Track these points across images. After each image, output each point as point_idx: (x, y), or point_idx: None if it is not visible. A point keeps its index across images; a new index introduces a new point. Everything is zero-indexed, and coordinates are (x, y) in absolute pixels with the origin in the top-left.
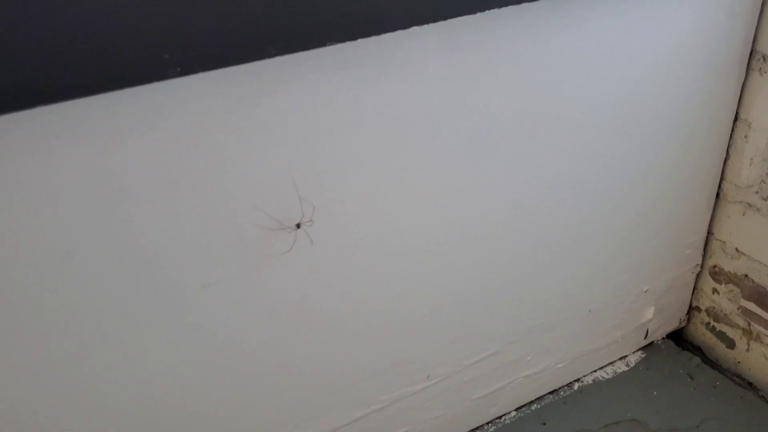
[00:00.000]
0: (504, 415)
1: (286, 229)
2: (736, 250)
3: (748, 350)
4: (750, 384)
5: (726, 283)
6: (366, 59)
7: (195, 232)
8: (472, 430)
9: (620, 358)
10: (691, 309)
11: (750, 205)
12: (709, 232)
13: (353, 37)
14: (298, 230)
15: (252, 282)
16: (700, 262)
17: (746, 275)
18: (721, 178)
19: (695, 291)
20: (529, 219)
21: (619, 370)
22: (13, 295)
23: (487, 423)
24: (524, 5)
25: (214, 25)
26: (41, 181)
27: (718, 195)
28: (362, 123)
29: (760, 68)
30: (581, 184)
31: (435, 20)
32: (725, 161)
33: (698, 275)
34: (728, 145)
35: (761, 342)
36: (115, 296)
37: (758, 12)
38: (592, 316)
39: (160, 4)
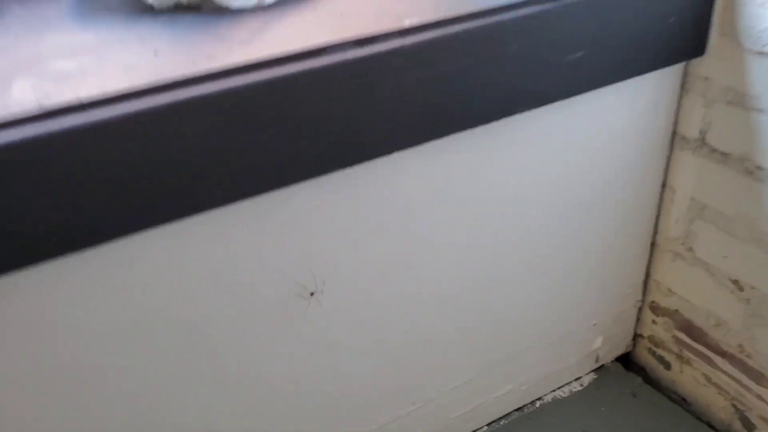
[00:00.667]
0: (477, 430)
1: (304, 297)
2: (669, 289)
3: (681, 371)
4: (684, 400)
5: (662, 316)
6: (360, 179)
7: (238, 299)
8: None
9: (575, 379)
10: (636, 336)
11: (677, 254)
12: (647, 274)
13: (347, 165)
14: (312, 297)
15: (275, 331)
16: (641, 298)
17: (677, 310)
18: (655, 232)
19: (638, 321)
20: (497, 278)
21: (574, 390)
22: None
23: None
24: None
25: (263, 163)
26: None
27: (653, 244)
28: (358, 224)
29: (681, 146)
30: (540, 246)
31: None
32: (657, 218)
33: (640, 308)
34: (659, 206)
35: (691, 365)
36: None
37: (677, 103)
38: (550, 346)
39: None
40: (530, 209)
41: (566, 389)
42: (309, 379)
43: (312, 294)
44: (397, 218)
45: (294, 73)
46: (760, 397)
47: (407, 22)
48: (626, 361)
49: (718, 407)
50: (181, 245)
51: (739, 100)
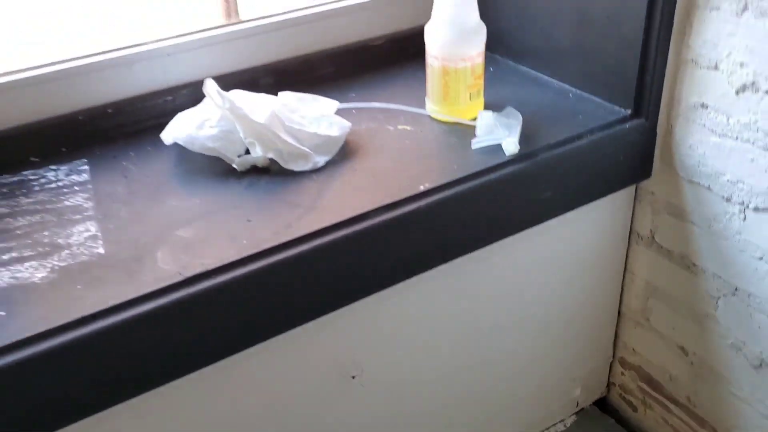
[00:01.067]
0: None
1: (348, 378)
2: (633, 349)
3: (645, 414)
4: None
5: (629, 369)
6: (391, 300)
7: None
8: None
9: (560, 421)
10: (609, 384)
11: (638, 322)
12: (617, 336)
13: (382, 288)
14: (354, 380)
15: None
16: (611, 354)
17: (640, 366)
18: (620, 303)
19: (611, 372)
20: (497, 356)
21: (558, 430)
22: None
23: None
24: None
25: (323, 297)
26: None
27: (620, 313)
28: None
29: (636, 241)
30: (532, 323)
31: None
32: (621, 294)
33: (612, 362)
34: (623, 285)
35: (652, 409)
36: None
37: (632, 210)
38: (539, 397)
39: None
40: (524, 303)
41: (552, 430)
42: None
43: (353, 377)
44: (412, 327)
45: (345, 235)
46: None
47: (422, 187)
48: (602, 404)
49: None
50: (276, 353)
51: (677, 213)
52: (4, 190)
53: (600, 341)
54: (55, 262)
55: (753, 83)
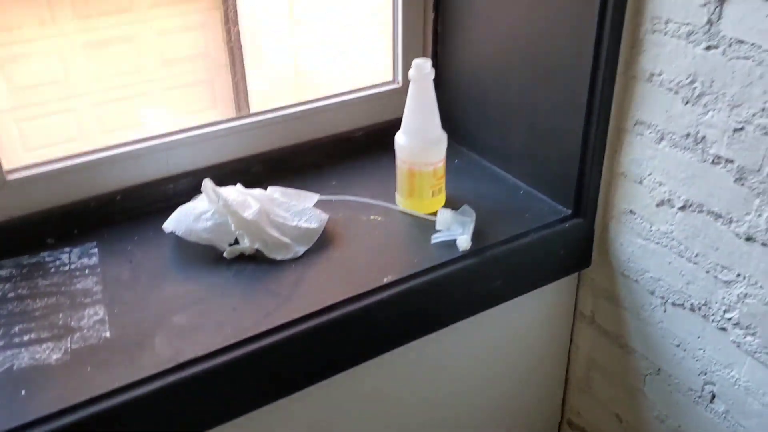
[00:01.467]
0: None
1: None
2: (578, 412)
3: None
4: None
5: (575, 429)
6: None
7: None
8: None
9: None
10: None
11: (582, 389)
12: (564, 400)
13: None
14: None
15: None
16: (560, 417)
17: (584, 428)
18: (567, 371)
19: (560, 431)
20: (451, 419)
21: None
22: None
23: None
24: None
25: (305, 372)
26: None
27: (566, 380)
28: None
29: (580, 319)
30: (491, 392)
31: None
32: (568, 364)
33: (560, 423)
34: (569, 357)
35: None
36: None
37: (576, 292)
38: None
39: None
40: (482, 375)
41: None
42: None
43: None
44: (379, 400)
45: (315, 325)
46: None
47: (385, 279)
48: None
49: None
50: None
51: (613, 299)
52: (25, 271)
53: (551, 405)
54: (68, 345)
55: (669, 200)
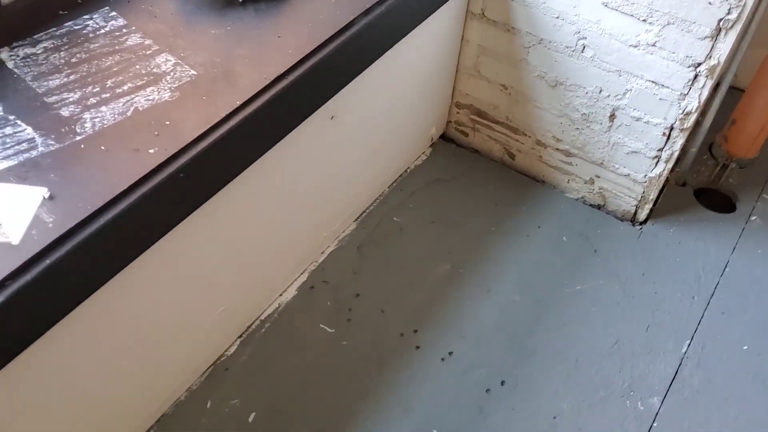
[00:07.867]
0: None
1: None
2: (466, 94)
3: (474, 137)
4: (476, 151)
5: (463, 109)
6: (273, 160)
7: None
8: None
9: (422, 153)
10: (448, 122)
11: (471, 74)
12: (454, 88)
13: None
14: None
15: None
16: (450, 101)
17: (471, 104)
18: (458, 63)
19: (449, 113)
20: (385, 112)
21: (424, 158)
22: None
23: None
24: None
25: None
26: None
27: (457, 71)
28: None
29: (471, 17)
30: (405, 92)
31: None
32: (459, 57)
33: (450, 106)
34: (460, 50)
35: (480, 132)
36: None
37: None
38: (411, 139)
39: None
40: (403, 76)
41: (420, 159)
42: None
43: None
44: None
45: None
46: (516, 140)
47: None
48: (444, 137)
49: (495, 150)
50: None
51: None
52: (65, 40)
53: (445, 92)
54: (169, 84)
55: None
